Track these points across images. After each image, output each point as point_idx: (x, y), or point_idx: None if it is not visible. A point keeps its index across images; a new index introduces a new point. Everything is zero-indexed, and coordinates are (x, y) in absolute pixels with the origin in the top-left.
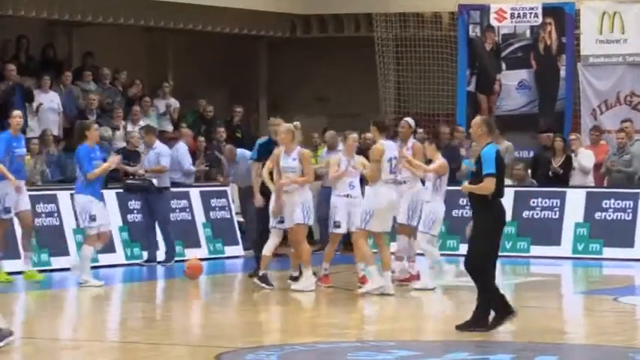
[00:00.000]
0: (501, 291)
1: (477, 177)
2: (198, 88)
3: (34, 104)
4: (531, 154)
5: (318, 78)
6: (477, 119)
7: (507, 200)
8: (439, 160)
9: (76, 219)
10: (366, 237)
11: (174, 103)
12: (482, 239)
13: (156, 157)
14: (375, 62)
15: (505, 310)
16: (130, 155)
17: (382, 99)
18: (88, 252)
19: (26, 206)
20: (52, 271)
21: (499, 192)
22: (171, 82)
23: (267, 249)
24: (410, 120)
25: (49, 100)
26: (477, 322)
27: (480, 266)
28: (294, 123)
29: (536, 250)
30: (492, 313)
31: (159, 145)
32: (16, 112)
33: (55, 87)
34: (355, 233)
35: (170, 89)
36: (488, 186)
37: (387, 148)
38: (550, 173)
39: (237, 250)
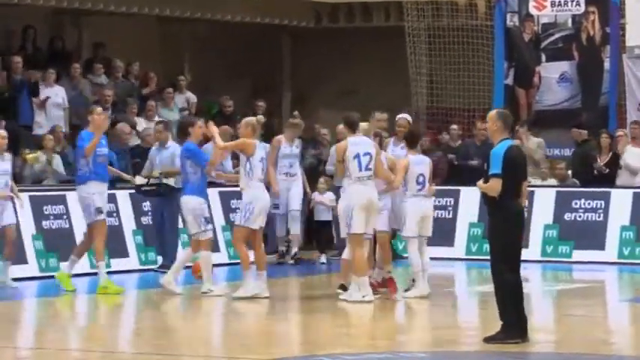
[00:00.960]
0: (525, 313)
1: (486, 176)
2: (217, 81)
3: (41, 98)
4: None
5: (345, 71)
6: (492, 113)
7: (548, 201)
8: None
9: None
10: (360, 241)
11: (192, 97)
12: (495, 241)
13: (170, 157)
14: (406, 54)
15: (519, 332)
16: (144, 155)
17: (414, 93)
18: (209, 258)
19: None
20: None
21: (510, 192)
22: (187, 76)
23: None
24: (407, 116)
25: (54, 94)
26: (507, 334)
27: (496, 270)
28: (258, 117)
29: (579, 254)
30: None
31: (172, 145)
32: (100, 109)
33: (62, 80)
34: (348, 239)
35: (187, 83)
36: (492, 186)
37: (354, 144)
38: (595, 172)
39: None
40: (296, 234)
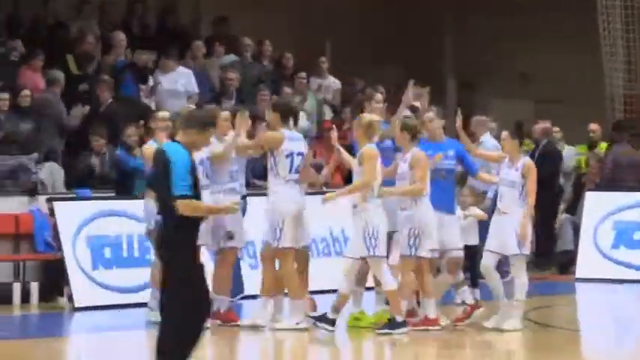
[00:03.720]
0: None
1: None
2: (364, 65)
3: (150, 84)
4: None
5: (521, 52)
6: None
7: None
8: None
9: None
10: (292, 259)
11: (334, 83)
12: None
13: None
14: (598, 32)
15: None
16: None
17: (607, 78)
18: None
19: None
20: None
21: None
22: (329, 57)
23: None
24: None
25: (174, 80)
26: None
27: None
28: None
29: None
30: None
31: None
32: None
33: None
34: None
35: (328, 66)
36: None
37: (289, 139)
38: None
39: None
40: None
